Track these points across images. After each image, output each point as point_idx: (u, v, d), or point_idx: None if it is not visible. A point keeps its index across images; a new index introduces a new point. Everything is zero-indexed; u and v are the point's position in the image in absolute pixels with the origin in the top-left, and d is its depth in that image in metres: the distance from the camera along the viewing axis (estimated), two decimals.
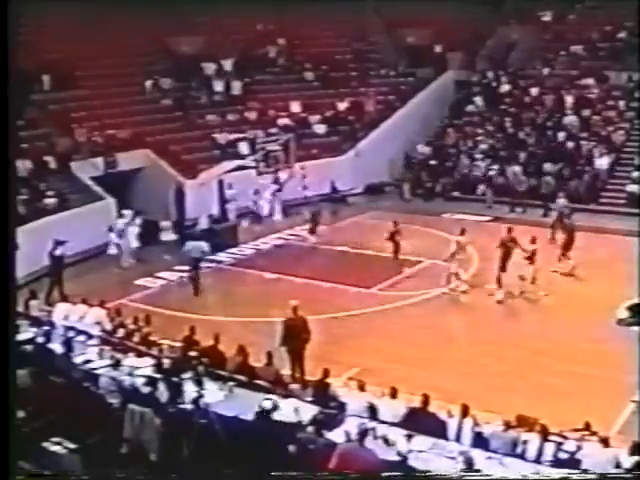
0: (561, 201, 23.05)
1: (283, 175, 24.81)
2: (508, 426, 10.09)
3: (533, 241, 18.12)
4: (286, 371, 13.31)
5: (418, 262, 20.46)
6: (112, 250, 21.53)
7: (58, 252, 18.59)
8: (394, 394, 10.95)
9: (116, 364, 11.95)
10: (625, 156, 26.89)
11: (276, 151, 23.68)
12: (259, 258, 21.82)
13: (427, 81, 32.15)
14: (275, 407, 10.18)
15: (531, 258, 17.87)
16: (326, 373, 11.66)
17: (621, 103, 28.58)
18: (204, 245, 19.51)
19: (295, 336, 13.54)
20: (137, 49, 29.76)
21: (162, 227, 22.74)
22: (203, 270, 19.46)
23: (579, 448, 9.55)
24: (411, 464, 9.15)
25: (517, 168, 26.94)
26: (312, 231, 23.16)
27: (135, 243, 21.58)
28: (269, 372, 12.24)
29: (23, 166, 21.87)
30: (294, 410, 10.19)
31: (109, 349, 12.78)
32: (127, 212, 22.44)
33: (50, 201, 21.99)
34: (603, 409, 12.05)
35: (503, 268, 17.90)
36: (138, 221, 21.96)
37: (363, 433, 8.98)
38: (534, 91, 30.34)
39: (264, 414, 10.12)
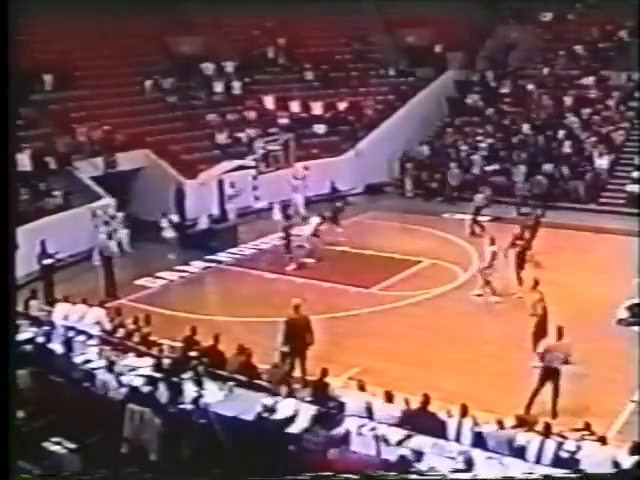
0: (479, 196, 23.74)
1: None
2: (506, 426, 10.08)
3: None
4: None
5: (418, 262, 20.47)
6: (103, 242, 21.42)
7: (48, 261, 18.55)
8: (390, 397, 10.92)
9: (116, 364, 11.96)
10: (625, 156, 26.85)
11: (276, 151, 23.65)
12: (259, 258, 21.80)
13: (427, 81, 32.10)
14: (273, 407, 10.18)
15: None
16: (325, 373, 11.64)
17: (621, 103, 28.56)
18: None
19: (297, 335, 13.51)
20: (137, 49, 29.71)
21: (162, 224, 22.65)
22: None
23: (579, 448, 9.55)
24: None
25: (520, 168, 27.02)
26: (335, 222, 23.14)
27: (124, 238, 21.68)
28: (277, 373, 12.23)
29: (23, 166, 21.82)
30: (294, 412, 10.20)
31: (109, 349, 12.79)
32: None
33: (50, 201, 21.99)
34: (603, 409, 12.09)
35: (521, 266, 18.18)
36: (119, 216, 21.97)
37: (360, 433, 8.99)
38: (534, 91, 30.33)
39: (266, 412, 10.12)
